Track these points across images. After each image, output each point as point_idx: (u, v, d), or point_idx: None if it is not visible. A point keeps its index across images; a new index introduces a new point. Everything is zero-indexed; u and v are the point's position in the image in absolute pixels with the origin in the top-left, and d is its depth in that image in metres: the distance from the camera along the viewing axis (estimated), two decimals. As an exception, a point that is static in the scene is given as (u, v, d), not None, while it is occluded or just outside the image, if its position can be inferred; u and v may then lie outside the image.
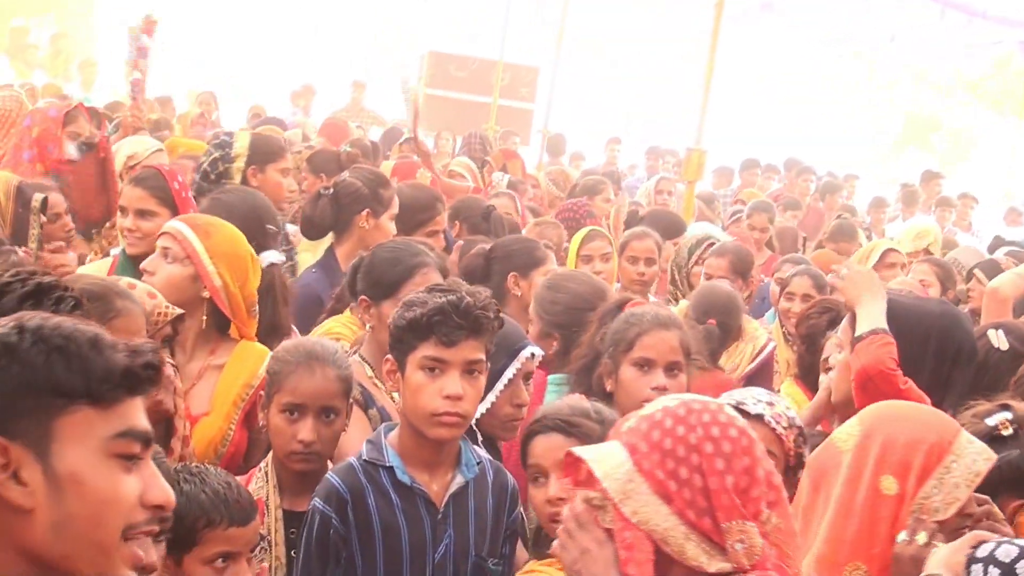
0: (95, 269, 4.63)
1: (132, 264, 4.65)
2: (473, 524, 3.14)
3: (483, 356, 3.08)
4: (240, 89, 19.81)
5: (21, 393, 1.71)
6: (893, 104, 29.79)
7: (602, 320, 3.91)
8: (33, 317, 1.79)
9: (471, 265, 4.87)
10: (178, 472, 2.78)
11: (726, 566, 2.21)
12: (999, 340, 3.97)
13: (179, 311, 3.40)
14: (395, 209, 5.14)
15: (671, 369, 3.65)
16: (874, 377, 3.50)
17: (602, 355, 3.76)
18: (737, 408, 2.82)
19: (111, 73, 17.42)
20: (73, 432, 1.73)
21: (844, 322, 3.68)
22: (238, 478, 3.00)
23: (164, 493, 1.81)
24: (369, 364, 3.79)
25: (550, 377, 4.15)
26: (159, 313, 3.34)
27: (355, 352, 3.93)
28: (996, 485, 2.91)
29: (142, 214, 4.73)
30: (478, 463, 3.18)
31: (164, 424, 3.26)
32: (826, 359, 4.20)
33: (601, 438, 2.88)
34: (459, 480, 3.13)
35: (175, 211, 4.54)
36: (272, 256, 4.32)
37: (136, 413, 1.80)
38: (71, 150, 6.22)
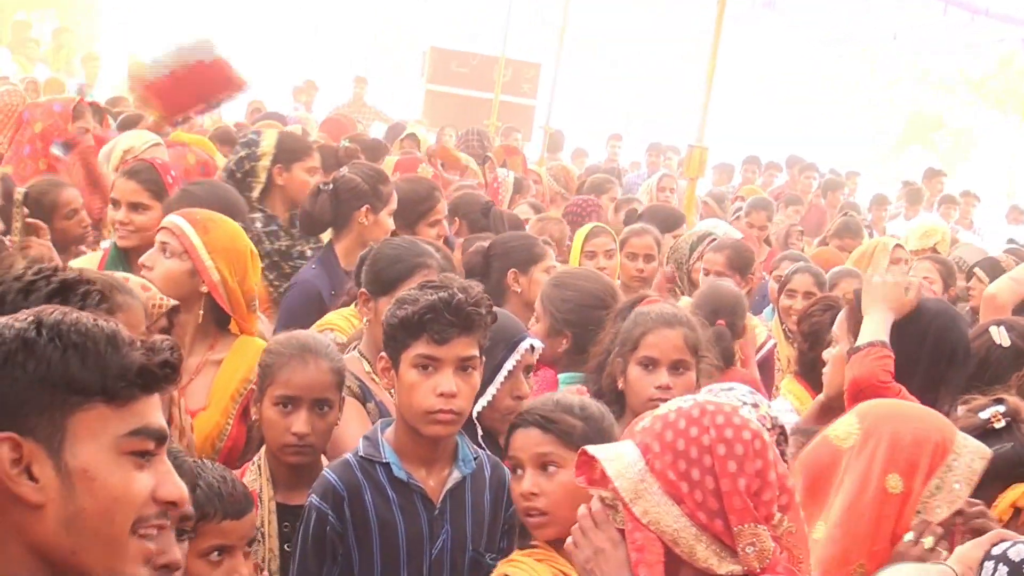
0: (85, 263, 4.62)
1: (123, 257, 4.65)
2: (470, 519, 3.14)
3: (476, 352, 3.08)
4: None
5: (36, 389, 1.71)
6: (895, 103, 29.79)
7: (617, 318, 3.91)
8: (53, 312, 1.79)
9: (471, 262, 4.86)
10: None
11: (736, 569, 2.21)
12: (1001, 337, 3.96)
13: (174, 302, 3.39)
14: (394, 205, 5.13)
15: (676, 368, 3.64)
16: (866, 389, 3.52)
17: (612, 353, 3.77)
18: None
19: (114, 68, 17.46)
20: (87, 429, 1.73)
21: (840, 316, 3.68)
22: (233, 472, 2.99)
23: (178, 489, 1.81)
24: (367, 359, 3.79)
25: (562, 376, 4.14)
26: (154, 305, 3.34)
27: (354, 347, 3.93)
28: (990, 477, 2.91)
29: (135, 207, 4.74)
30: (475, 458, 3.18)
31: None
32: None
33: (583, 434, 2.89)
34: (456, 476, 3.13)
35: (168, 205, 4.54)
36: None
37: (151, 411, 1.79)
38: (55, 149, 6.24)
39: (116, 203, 4.84)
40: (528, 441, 2.93)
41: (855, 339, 3.70)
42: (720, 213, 10.19)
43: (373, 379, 3.73)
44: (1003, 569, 2.13)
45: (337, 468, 3.12)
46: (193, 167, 5.83)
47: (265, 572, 3.22)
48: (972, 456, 2.64)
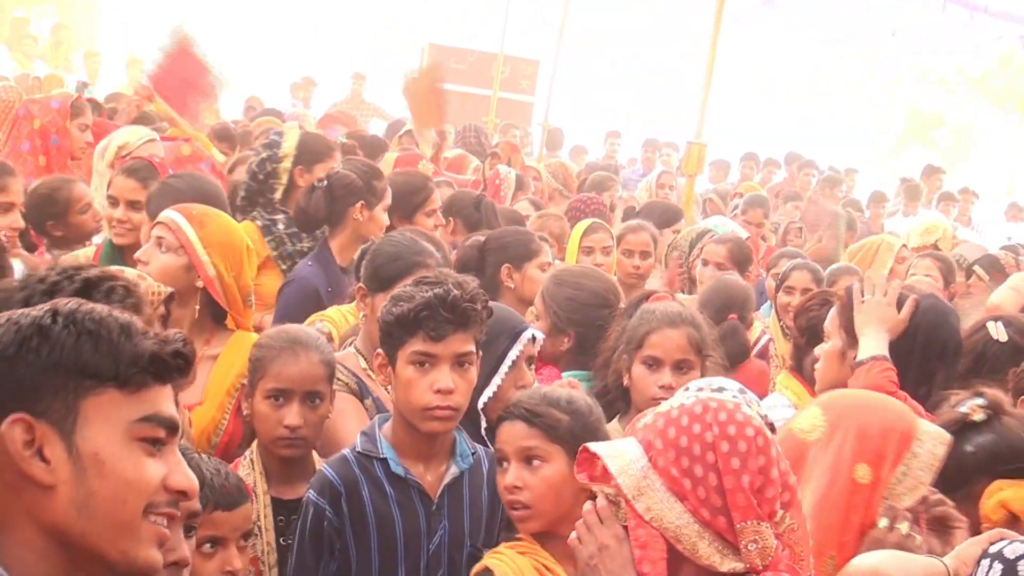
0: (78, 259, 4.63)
1: (118, 254, 4.65)
2: (468, 514, 3.15)
3: (472, 348, 3.08)
4: (241, 81, 19.79)
5: (49, 373, 1.75)
6: (895, 102, 29.78)
7: (624, 315, 3.93)
8: (69, 302, 1.83)
9: (465, 256, 4.86)
10: None
11: (738, 566, 2.21)
12: (998, 332, 3.97)
13: (169, 290, 3.40)
14: (388, 200, 5.13)
15: (680, 367, 3.65)
16: None
17: (619, 350, 3.78)
18: None
19: (113, 64, 17.46)
20: (99, 413, 1.76)
21: (832, 312, 3.68)
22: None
23: (188, 479, 1.83)
24: (363, 355, 3.79)
25: (564, 375, 4.13)
26: (153, 294, 3.35)
27: (350, 343, 3.92)
28: (972, 470, 2.92)
29: (133, 205, 4.74)
30: (473, 453, 3.18)
31: None
32: None
33: (569, 429, 2.89)
34: (453, 471, 3.14)
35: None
36: None
37: (163, 400, 1.83)
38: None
39: (114, 200, 4.86)
40: (513, 434, 2.93)
41: (847, 335, 3.70)
42: (724, 210, 10.22)
43: (369, 375, 3.73)
44: (997, 567, 2.13)
45: (334, 463, 3.12)
46: (187, 157, 5.82)
47: (264, 567, 3.23)
48: (934, 442, 2.65)
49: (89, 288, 2.42)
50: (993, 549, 2.18)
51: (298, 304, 4.67)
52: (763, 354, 5.71)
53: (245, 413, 3.48)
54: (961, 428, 2.97)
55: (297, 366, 3.34)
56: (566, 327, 4.31)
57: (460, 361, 3.05)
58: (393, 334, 3.08)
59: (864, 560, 2.33)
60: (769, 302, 6.49)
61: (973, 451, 2.93)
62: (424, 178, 5.77)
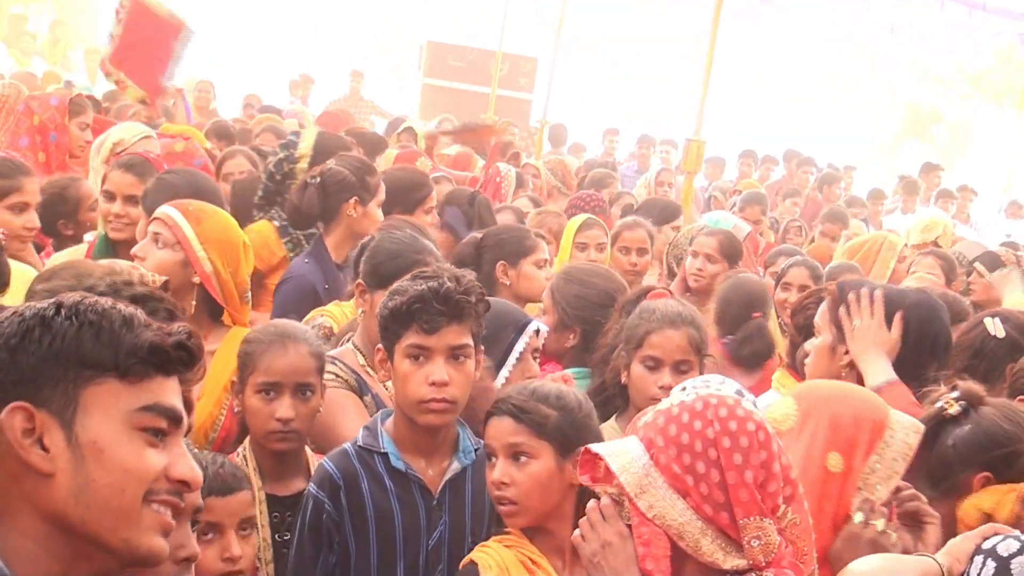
0: (70, 256, 4.62)
1: (110, 249, 4.65)
2: (470, 510, 3.15)
3: (468, 340, 3.07)
4: (239, 78, 19.78)
5: (50, 363, 1.77)
6: (894, 99, 29.78)
7: (623, 311, 3.91)
8: (74, 295, 1.85)
9: (462, 252, 4.86)
10: None
11: (741, 563, 2.21)
12: (996, 328, 3.96)
13: (162, 279, 3.40)
14: (382, 196, 5.13)
15: (679, 368, 3.65)
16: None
17: (617, 347, 3.77)
18: None
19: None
20: (99, 403, 1.77)
21: (822, 307, 3.67)
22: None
23: (191, 470, 1.84)
24: (362, 352, 3.79)
25: (568, 371, 4.13)
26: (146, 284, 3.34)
27: (348, 339, 3.92)
28: (954, 463, 2.92)
29: (130, 199, 4.74)
30: (476, 449, 3.18)
31: None
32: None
33: (557, 425, 2.89)
34: (455, 466, 3.14)
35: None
36: None
37: (165, 391, 1.83)
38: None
39: (110, 195, 4.85)
40: (501, 430, 2.92)
41: (837, 330, 3.68)
42: (726, 207, 10.25)
43: (368, 372, 3.73)
44: (991, 564, 2.13)
45: (335, 457, 3.14)
46: (180, 154, 5.81)
47: (260, 563, 3.23)
48: (907, 431, 2.65)
49: (135, 304, 2.42)
50: (987, 545, 2.18)
51: (295, 301, 4.67)
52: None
53: (237, 410, 3.48)
54: (940, 423, 2.97)
55: (286, 358, 3.34)
56: (573, 324, 4.32)
57: (455, 354, 3.05)
58: (390, 328, 3.09)
59: (859, 566, 2.32)
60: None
61: (953, 444, 2.94)
62: (423, 175, 5.78)
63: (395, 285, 3.14)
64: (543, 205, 8.04)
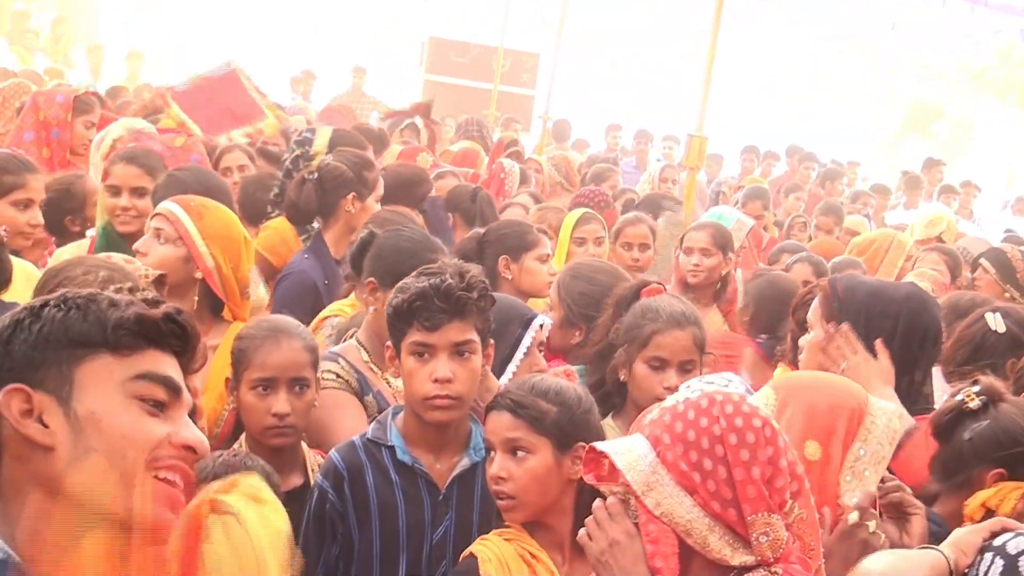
0: (72, 251, 4.61)
1: (112, 243, 4.64)
2: (478, 507, 3.14)
3: (472, 336, 3.07)
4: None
5: (41, 346, 1.81)
6: (895, 96, 29.75)
7: (618, 306, 3.90)
8: (63, 291, 1.91)
9: (464, 247, 4.85)
10: None
11: (749, 559, 2.20)
12: (996, 323, 3.96)
13: (158, 272, 3.40)
14: (380, 191, 5.13)
15: (684, 367, 3.64)
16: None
17: (617, 344, 3.75)
18: None
19: (114, 58, 17.44)
20: (93, 378, 1.81)
21: (815, 303, 3.66)
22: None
23: (197, 436, 1.87)
24: (365, 349, 3.77)
25: (572, 368, 4.12)
26: (142, 276, 3.35)
27: (351, 336, 3.92)
28: (969, 457, 2.92)
29: (137, 191, 4.73)
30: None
31: None
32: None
33: (555, 420, 2.89)
34: (464, 463, 3.14)
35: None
36: None
37: (159, 362, 1.86)
38: None
39: (116, 189, 4.83)
40: (499, 425, 2.93)
41: (829, 325, 3.66)
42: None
43: (371, 368, 3.72)
44: (999, 562, 2.13)
45: (342, 449, 3.16)
46: (179, 149, 5.81)
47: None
48: (889, 416, 2.64)
49: None
50: (997, 543, 2.18)
51: (296, 297, 4.67)
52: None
53: (232, 406, 3.48)
54: (958, 416, 2.98)
55: (280, 353, 3.35)
56: (578, 321, 4.31)
57: (459, 350, 3.05)
58: (395, 325, 3.10)
59: (871, 564, 2.32)
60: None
61: (970, 438, 2.94)
62: (424, 171, 5.77)
63: (401, 283, 3.15)
64: (544, 201, 8.03)
